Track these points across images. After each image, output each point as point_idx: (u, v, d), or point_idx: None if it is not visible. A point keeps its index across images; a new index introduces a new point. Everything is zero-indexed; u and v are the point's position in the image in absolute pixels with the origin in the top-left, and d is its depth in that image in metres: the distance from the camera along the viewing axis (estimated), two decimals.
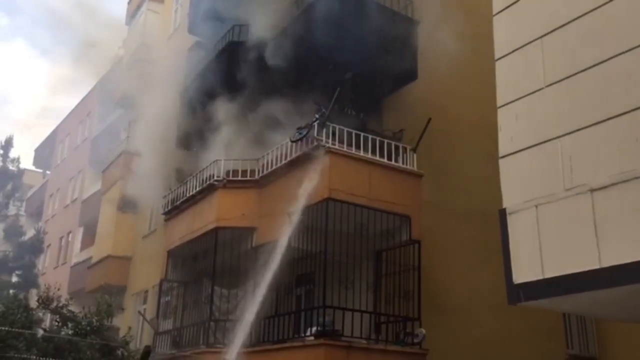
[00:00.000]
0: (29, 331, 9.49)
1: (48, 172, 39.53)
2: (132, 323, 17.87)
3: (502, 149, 5.66)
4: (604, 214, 4.63)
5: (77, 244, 28.41)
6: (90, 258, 24.17)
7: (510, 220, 5.38)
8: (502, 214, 5.48)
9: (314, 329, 11.24)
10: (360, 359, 10.52)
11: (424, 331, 11.73)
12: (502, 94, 5.81)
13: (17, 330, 9.00)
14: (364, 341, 11.37)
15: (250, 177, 13.94)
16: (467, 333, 12.66)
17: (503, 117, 5.74)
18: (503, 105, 5.76)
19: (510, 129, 5.62)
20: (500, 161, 5.72)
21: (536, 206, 5.16)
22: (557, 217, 4.99)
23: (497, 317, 13.06)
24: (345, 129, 12.38)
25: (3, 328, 8.82)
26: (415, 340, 11.72)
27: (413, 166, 12.84)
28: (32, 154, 42.02)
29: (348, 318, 11.31)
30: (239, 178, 14.01)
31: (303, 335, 11.65)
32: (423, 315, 12.03)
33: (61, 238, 31.27)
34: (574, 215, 4.84)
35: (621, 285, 4.45)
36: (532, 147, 5.37)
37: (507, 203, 5.50)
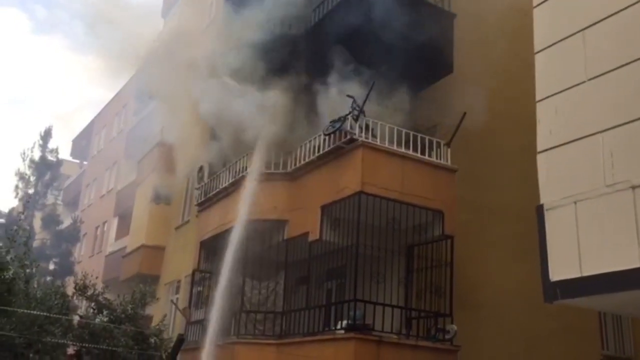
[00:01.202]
0: (66, 317, 9.70)
1: (85, 162, 40.34)
2: (165, 312, 18.12)
3: (541, 143, 5.56)
4: None
5: (112, 234, 28.94)
6: (125, 247, 24.61)
7: (548, 217, 5.28)
8: (540, 210, 5.39)
9: (344, 322, 11.24)
10: (390, 354, 10.47)
11: (455, 327, 11.63)
12: (542, 88, 5.70)
13: (54, 315, 9.20)
14: (395, 336, 11.33)
15: (282, 169, 13.97)
16: (499, 330, 12.50)
17: (542, 111, 5.63)
18: (542, 99, 5.65)
19: (550, 123, 5.51)
20: (539, 156, 5.62)
21: (575, 202, 5.06)
22: (596, 213, 4.88)
23: (530, 315, 12.86)
24: (379, 123, 12.31)
25: (41, 313, 9.03)
26: (447, 337, 11.63)
27: (447, 161, 12.71)
28: (70, 145, 42.93)
29: (379, 312, 11.27)
30: (271, 171, 14.05)
31: (333, 328, 11.66)
32: (455, 312, 11.92)
33: (97, 227, 31.91)
34: (614, 212, 4.73)
35: None
36: (572, 142, 5.26)
37: (544, 199, 5.40)
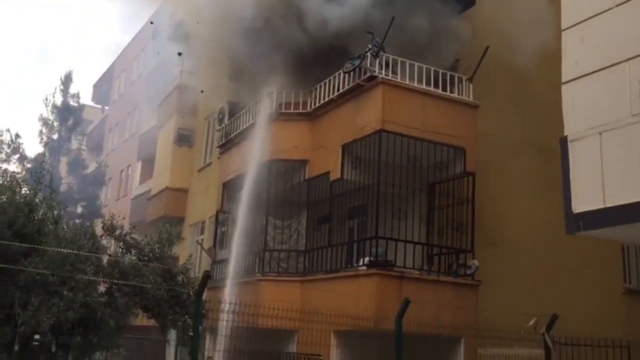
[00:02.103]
0: (96, 254, 9.99)
1: (106, 107, 40.57)
2: (191, 253, 18.53)
3: (566, 74, 5.43)
4: None
5: (137, 177, 29.35)
6: (149, 190, 25.00)
7: (572, 148, 5.22)
8: (564, 142, 5.33)
9: (366, 259, 11.40)
10: (412, 289, 10.63)
11: (477, 263, 11.74)
12: (568, 16, 5.52)
13: (85, 253, 9.48)
14: (416, 272, 11.48)
15: (302, 109, 13.90)
16: (520, 266, 12.59)
17: (568, 40, 5.47)
18: (568, 28, 5.49)
19: (576, 52, 5.36)
20: (563, 87, 5.50)
21: (600, 133, 4.98)
22: (621, 144, 4.80)
23: (552, 250, 12.91)
24: (399, 59, 12.09)
25: (72, 251, 9.30)
26: (468, 272, 11.77)
27: (469, 97, 12.52)
28: (91, 90, 43.08)
29: (400, 249, 11.40)
30: (292, 110, 14.00)
31: (356, 265, 11.84)
32: (476, 248, 12.01)
33: (121, 171, 32.36)
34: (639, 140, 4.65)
35: None
36: (598, 71, 5.13)
37: (568, 130, 5.32)
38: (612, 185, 4.83)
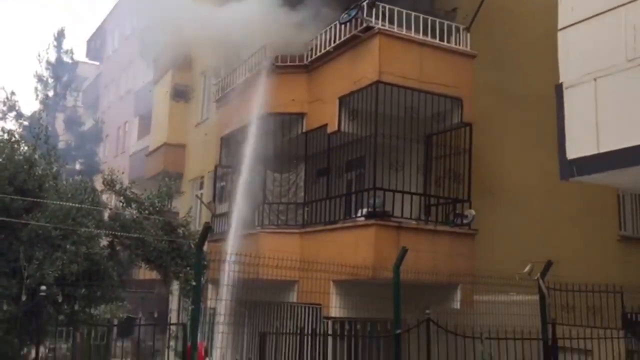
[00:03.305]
0: (97, 208, 10.10)
1: (100, 64, 40.12)
2: (191, 207, 18.69)
3: (562, 20, 5.42)
4: None
5: (134, 134, 29.30)
6: (147, 147, 24.99)
7: (567, 95, 5.26)
8: (559, 88, 5.36)
9: (364, 210, 11.53)
10: (410, 239, 10.78)
11: (473, 212, 11.89)
12: None
13: (86, 207, 9.58)
14: (414, 222, 11.63)
15: (299, 62, 13.80)
16: (517, 215, 12.77)
17: None
18: None
19: None
20: (559, 34, 5.50)
21: (595, 79, 5.01)
22: (616, 89, 4.84)
23: (548, 199, 13.06)
24: (396, 9, 11.95)
25: (73, 204, 9.41)
26: (465, 221, 11.92)
27: (466, 46, 12.43)
28: (85, 46, 42.48)
29: (398, 200, 11.52)
30: (288, 63, 13.90)
31: (354, 216, 11.99)
32: (473, 197, 12.14)
33: (118, 128, 32.27)
34: (634, 87, 4.68)
35: None
36: (594, 16, 5.13)
37: (564, 77, 5.35)
38: (606, 131, 4.89)
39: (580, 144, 5.07)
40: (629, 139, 4.66)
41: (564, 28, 5.37)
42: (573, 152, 5.13)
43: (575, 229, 13.25)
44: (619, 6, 4.90)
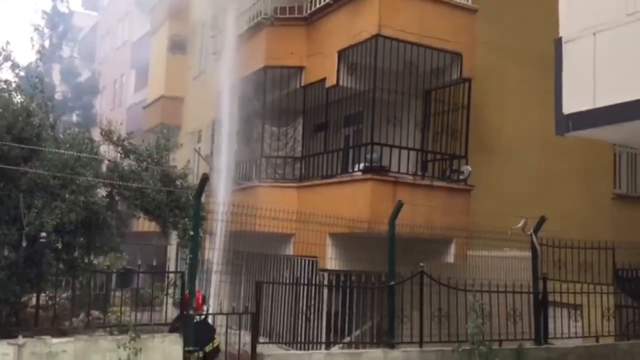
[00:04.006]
0: (96, 157, 10.13)
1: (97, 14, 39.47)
2: (189, 160, 18.72)
3: None
4: None
5: (131, 86, 29.08)
6: (145, 99, 24.85)
7: (566, 49, 5.25)
8: (558, 43, 5.35)
9: (361, 165, 11.59)
10: (406, 194, 10.86)
11: (470, 168, 11.95)
12: None
13: (84, 155, 9.61)
14: (410, 177, 11.68)
15: (298, 14, 13.62)
16: (513, 171, 12.86)
17: None
18: None
19: None
20: None
21: (594, 34, 4.99)
22: (615, 44, 4.83)
23: (545, 157, 13.16)
24: None
25: (71, 152, 9.43)
26: (461, 177, 11.99)
27: (467, 1, 12.26)
28: None
29: (395, 155, 11.56)
30: (287, 15, 13.72)
31: (351, 171, 12.04)
32: (470, 154, 12.18)
33: (115, 80, 31.99)
34: (633, 41, 4.68)
35: None
36: None
37: (563, 31, 5.33)
38: (602, 86, 4.90)
39: (576, 98, 5.09)
40: (625, 94, 4.68)
41: None
42: (569, 107, 5.16)
43: (570, 186, 13.38)
44: None
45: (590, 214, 13.26)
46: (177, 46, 21.73)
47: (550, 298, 10.11)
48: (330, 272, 11.41)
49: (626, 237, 11.15)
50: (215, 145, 16.27)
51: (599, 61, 4.94)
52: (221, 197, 12.87)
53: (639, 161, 14.38)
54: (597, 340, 10.22)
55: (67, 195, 9.50)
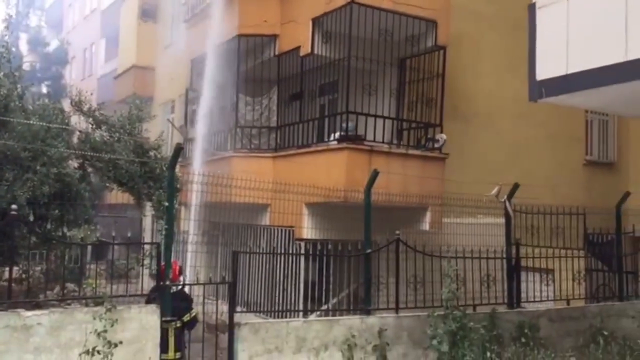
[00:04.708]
0: (67, 127, 9.92)
1: None
2: (162, 130, 18.49)
3: None
4: (637, 4, 4.47)
5: (102, 56, 28.45)
6: (116, 69, 24.36)
7: (540, 15, 5.25)
8: (532, 8, 5.34)
9: (337, 134, 11.56)
10: (381, 163, 10.88)
11: (444, 136, 12.01)
12: None
13: (55, 126, 9.41)
14: (386, 146, 11.70)
15: None
16: (488, 139, 12.96)
17: None
18: None
19: None
20: None
21: None
22: (588, 9, 4.84)
23: (519, 124, 13.27)
24: None
25: (41, 123, 9.22)
26: (436, 145, 12.06)
27: None
28: None
29: (370, 124, 11.54)
30: None
31: (327, 140, 12.01)
32: (445, 122, 12.23)
33: (85, 50, 31.25)
34: (606, 7, 4.69)
35: None
36: None
37: None
38: (575, 52, 4.92)
39: (549, 65, 5.11)
40: (597, 60, 4.71)
41: None
42: (542, 73, 5.18)
43: (544, 153, 13.56)
44: None
45: (563, 180, 13.47)
46: (148, 14, 21.29)
47: (523, 263, 10.29)
48: (307, 241, 11.46)
49: (597, 203, 11.37)
50: (188, 116, 16.10)
51: (572, 27, 4.95)
52: (196, 167, 12.80)
53: (610, 128, 14.60)
54: (568, 303, 10.47)
55: (38, 168, 9.32)
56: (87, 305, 7.43)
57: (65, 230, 10.19)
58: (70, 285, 9.16)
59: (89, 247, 10.59)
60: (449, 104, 12.41)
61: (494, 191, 10.15)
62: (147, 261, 9.02)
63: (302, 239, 11.53)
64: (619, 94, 4.90)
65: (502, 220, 10.50)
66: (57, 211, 9.80)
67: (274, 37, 13.35)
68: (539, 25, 5.23)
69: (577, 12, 4.88)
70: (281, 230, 12.10)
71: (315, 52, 12.15)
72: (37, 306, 6.99)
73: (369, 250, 8.79)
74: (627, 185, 13.06)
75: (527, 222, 10.96)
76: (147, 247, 9.27)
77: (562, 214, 11.04)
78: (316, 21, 12.09)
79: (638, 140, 14.12)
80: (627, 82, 4.54)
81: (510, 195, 10.28)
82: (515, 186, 10.20)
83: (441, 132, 12.16)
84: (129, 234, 8.27)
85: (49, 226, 9.83)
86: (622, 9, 4.54)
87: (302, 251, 11.03)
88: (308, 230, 11.50)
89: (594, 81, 4.76)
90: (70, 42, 31.42)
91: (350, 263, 9.80)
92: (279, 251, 10.71)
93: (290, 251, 11.12)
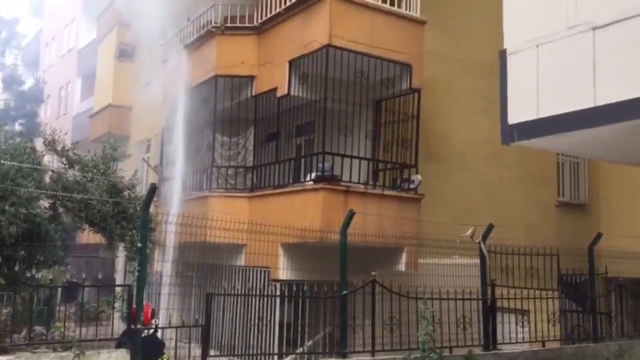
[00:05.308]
0: (38, 167, 9.75)
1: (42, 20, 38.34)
2: (137, 170, 18.32)
3: None
4: (604, 52, 4.62)
5: (77, 94, 28.34)
6: (91, 108, 24.25)
7: (510, 61, 5.38)
8: (503, 54, 5.47)
9: (313, 174, 11.59)
10: (357, 203, 10.91)
11: (420, 177, 12.12)
12: None
13: (26, 166, 9.24)
14: (362, 186, 11.76)
15: (249, 23, 13.58)
16: (462, 180, 13.09)
17: None
18: None
19: None
20: (505, 1, 5.59)
21: (537, 46, 5.13)
22: (557, 56, 4.98)
23: (492, 165, 13.44)
24: None
25: (10, 163, 9.05)
26: (411, 186, 12.15)
27: (416, 12, 12.48)
28: (25, 1, 40.49)
29: (347, 164, 11.62)
30: (238, 24, 13.65)
31: (303, 180, 12.03)
32: (420, 163, 12.36)
33: (60, 88, 31.11)
34: (574, 54, 4.83)
35: (614, 123, 4.56)
36: None
37: (508, 43, 5.46)
38: (545, 97, 5.04)
39: (521, 109, 5.21)
40: (566, 105, 4.82)
41: None
42: (514, 117, 5.28)
43: (517, 194, 13.70)
44: None
45: (536, 221, 13.59)
46: (126, 54, 21.34)
47: (499, 304, 10.29)
48: (282, 282, 11.34)
49: (570, 243, 11.48)
50: (164, 155, 16.02)
51: (542, 73, 5.08)
52: (171, 206, 12.67)
53: (581, 170, 14.86)
54: (543, 345, 10.44)
55: (7, 207, 9.12)
56: (55, 350, 7.19)
57: (34, 271, 9.92)
58: (39, 329, 8.87)
59: (59, 289, 10.33)
60: (424, 145, 12.56)
61: (469, 232, 10.21)
62: (118, 304, 8.81)
63: (277, 280, 11.41)
64: (589, 138, 5.01)
65: (477, 260, 10.53)
66: (24, 252, 9.55)
67: (251, 78, 13.47)
68: (510, 70, 5.36)
69: (546, 58, 5.01)
70: (257, 270, 11.96)
71: (292, 93, 12.28)
72: (4, 351, 6.75)
73: (344, 292, 8.72)
74: (599, 226, 13.23)
75: (502, 263, 11.00)
76: (118, 289, 9.07)
77: (536, 255, 11.11)
78: (293, 63, 12.25)
79: (608, 183, 14.38)
80: (596, 127, 4.64)
81: (484, 236, 10.34)
82: (490, 227, 10.27)
83: (416, 172, 12.27)
84: (100, 276, 8.08)
85: (16, 268, 9.56)
86: (590, 56, 4.68)
87: (278, 292, 10.89)
88: (284, 271, 11.40)
89: (564, 126, 4.86)
90: (46, 80, 31.26)
91: (326, 304, 9.70)
92: (254, 292, 10.56)
93: (266, 292, 10.98)
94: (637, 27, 4.38)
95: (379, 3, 12.03)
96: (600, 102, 4.58)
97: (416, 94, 12.40)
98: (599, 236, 11.33)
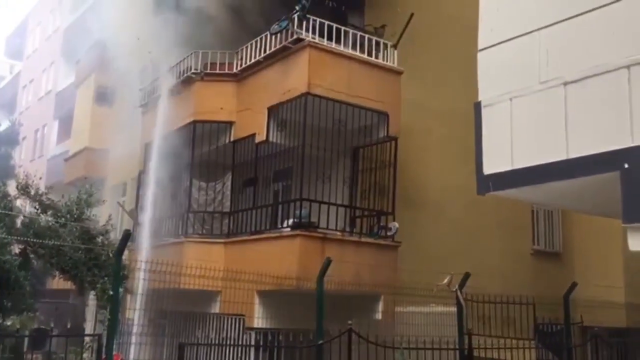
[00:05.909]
0: (9, 212, 9.57)
1: (20, 62, 38.31)
2: (112, 215, 18.08)
3: (482, 41, 5.64)
4: (575, 107, 4.73)
5: (53, 137, 28.14)
6: (67, 151, 24.04)
7: (485, 113, 5.47)
8: (477, 107, 5.57)
9: (290, 221, 11.54)
10: (334, 250, 10.87)
11: (397, 225, 12.14)
12: None
13: None
14: (339, 233, 11.73)
15: (228, 70, 13.71)
16: (439, 227, 13.13)
17: (484, 9, 5.68)
18: None
19: (491, 20, 5.58)
20: (479, 54, 5.72)
21: (511, 99, 5.24)
22: (530, 110, 5.08)
23: (468, 213, 13.52)
24: (326, 23, 12.11)
25: None
26: (389, 233, 12.15)
27: (393, 63, 12.74)
28: (4, 43, 40.54)
29: (324, 211, 11.61)
30: (217, 71, 13.78)
31: (280, 227, 11.97)
32: (397, 210, 12.40)
33: (36, 131, 30.86)
34: (546, 108, 4.93)
35: (585, 176, 4.63)
36: (512, 39, 5.36)
37: (482, 96, 5.57)
38: (519, 149, 5.12)
39: (496, 160, 5.28)
40: (539, 157, 4.90)
41: (483, 49, 5.59)
42: (489, 167, 5.34)
43: (494, 241, 13.77)
44: (533, 30, 5.15)
45: (512, 269, 13.63)
46: (104, 98, 21.32)
47: (476, 353, 10.19)
48: (257, 330, 11.14)
49: (545, 292, 11.50)
50: (140, 199, 15.86)
51: (516, 125, 5.17)
52: (144, 253, 12.46)
53: (555, 219, 15.03)
54: None
55: None
56: None
57: (1, 319, 9.61)
58: None
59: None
60: (401, 193, 12.63)
61: (446, 280, 10.20)
62: (86, 354, 8.54)
63: (252, 328, 11.20)
64: (562, 190, 5.08)
65: (454, 309, 10.48)
66: None
67: (229, 123, 13.52)
68: (485, 122, 5.45)
69: (519, 111, 5.12)
70: (231, 318, 11.75)
71: (270, 139, 12.34)
72: None
73: (320, 342, 8.57)
74: (573, 275, 13.31)
75: (479, 312, 10.96)
76: (87, 339, 8.81)
77: (512, 304, 11.10)
78: (272, 110, 12.35)
79: (582, 231, 14.55)
80: (569, 180, 4.71)
81: (461, 285, 10.32)
82: (466, 275, 10.27)
83: (394, 220, 12.30)
84: (69, 325, 7.85)
85: None
86: (562, 110, 4.79)
87: (253, 341, 10.68)
88: (259, 319, 11.22)
89: (538, 177, 4.93)
90: (22, 123, 31.03)
91: (302, 354, 9.52)
92: (228, 342, 10.34)
93: (241, 341, 10.76)
94: (606, 83, 4.51)
95: (357, 53, 12.27)
96: (573, 154, 4.66)
97: (393, 142, 12.54)
98: (573, 285, 11.37)
